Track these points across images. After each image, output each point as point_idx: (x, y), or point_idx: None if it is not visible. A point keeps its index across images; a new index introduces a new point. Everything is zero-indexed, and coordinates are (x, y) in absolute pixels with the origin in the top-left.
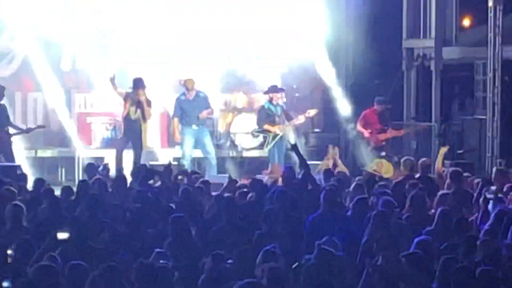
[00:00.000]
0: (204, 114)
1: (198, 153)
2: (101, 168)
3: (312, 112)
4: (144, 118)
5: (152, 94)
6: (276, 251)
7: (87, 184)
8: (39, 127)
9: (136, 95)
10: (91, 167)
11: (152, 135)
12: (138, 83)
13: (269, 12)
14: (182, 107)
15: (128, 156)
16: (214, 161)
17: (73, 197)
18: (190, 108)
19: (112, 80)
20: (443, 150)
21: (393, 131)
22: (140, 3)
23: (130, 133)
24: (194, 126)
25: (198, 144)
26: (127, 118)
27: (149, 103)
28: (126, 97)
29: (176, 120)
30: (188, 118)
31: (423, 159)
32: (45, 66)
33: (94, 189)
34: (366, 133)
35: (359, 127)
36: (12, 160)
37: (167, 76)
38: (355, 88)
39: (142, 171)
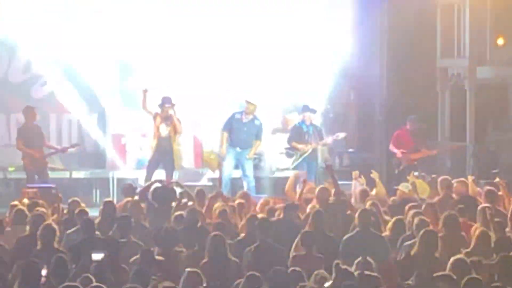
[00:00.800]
0: (251, 155)
1: (236, 174)
2: (138, 190)
3: (340, 135)
4: (174, 134)
5: (185, 112)
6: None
7: (112, 204)
8: (73, 146)
9: (164, 111)
10: (130, 189)
11: (187, 155)
12: (165, 100)
13: (306, 33)
14: (232, 125)
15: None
16: (252, 184)
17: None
18: (240, 130)
19: (145, 93)
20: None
21: (426, 151)
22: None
23: (161, 152)
24: (238, 149)
25: (238, 166)
26: (158, 137)
27: (178, 119)
28: (155, 116)
29: (224, 134)
30: (235, 139)
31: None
32: (78, 87)
33: (130, 210)
34: (399, 153)
35: (391, 147)
36: (46, 180)
37: (200, 93)
38: (389, 108)
39: (163, 191)
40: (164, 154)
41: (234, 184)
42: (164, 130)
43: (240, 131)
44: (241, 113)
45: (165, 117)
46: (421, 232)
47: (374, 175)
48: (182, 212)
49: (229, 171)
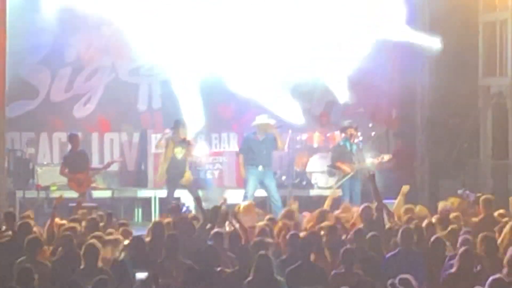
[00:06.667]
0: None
1: (261, 193)
2: (184, 210)
3: (386, 157)
4: (187, 156)
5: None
6: None
7: (161, 224)
8: (112, 162)
9: (178, 134)
10: (176, 208)
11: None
12: (179, 123)
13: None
14: (250, 146)
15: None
16: (278, 203)
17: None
18: (258, 149)
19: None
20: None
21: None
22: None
23: (177, 174)
24: (260, 168)
25: (262, 186)
26: (172, 159)
27: (192, 143)
28: (167, 140)
29: (241, 156)
30: (255, 158)
31: None
32: (121, 106)
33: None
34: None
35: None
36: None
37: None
38: (431, 126)
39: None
40: (179, 176)
41: (263, 203)
42: (180, 153)
43: (259, 150)
44: (254, 133)
45: (180, 140)
46: (461, 250)
47: (404, 189)
48: (220, 230)
49: (252, 191)
